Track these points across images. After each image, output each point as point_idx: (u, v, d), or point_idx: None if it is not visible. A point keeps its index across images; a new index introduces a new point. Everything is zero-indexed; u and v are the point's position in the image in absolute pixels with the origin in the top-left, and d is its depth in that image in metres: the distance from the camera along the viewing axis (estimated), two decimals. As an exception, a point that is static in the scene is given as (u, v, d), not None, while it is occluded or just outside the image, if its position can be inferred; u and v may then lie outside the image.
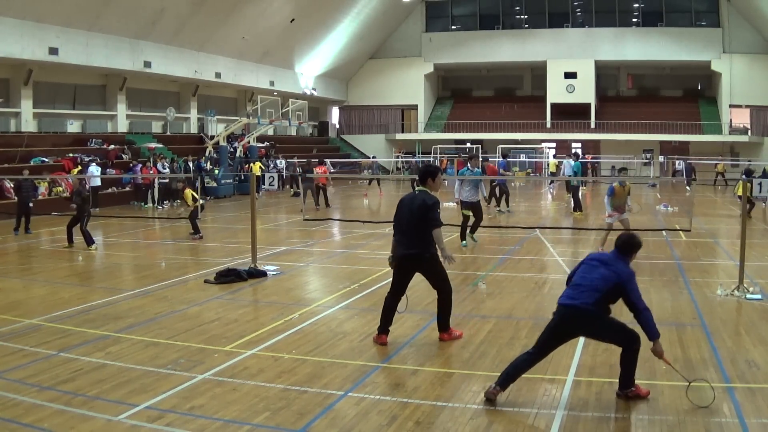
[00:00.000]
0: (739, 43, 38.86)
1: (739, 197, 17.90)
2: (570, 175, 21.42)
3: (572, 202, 19.99)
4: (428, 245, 6.98)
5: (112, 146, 25.81)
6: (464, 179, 13.61)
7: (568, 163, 23.16)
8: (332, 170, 36.31)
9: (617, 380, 5.58)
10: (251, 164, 28.98)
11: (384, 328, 7.15)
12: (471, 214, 13.47)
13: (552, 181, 28.90)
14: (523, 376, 6.02)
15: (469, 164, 14.47)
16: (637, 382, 5.59)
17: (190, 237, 15.19)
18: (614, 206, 12.60)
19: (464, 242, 13.56)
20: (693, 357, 6.56)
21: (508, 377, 5.50)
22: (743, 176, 19.39)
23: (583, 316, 5.36)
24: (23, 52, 22.44)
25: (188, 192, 15.11)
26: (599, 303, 5.38)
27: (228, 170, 27.88)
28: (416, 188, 7.29)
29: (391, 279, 7.34)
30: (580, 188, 21.47)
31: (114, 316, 8.22)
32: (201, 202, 15.32)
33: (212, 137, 30.78)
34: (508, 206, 20.35)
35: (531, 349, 5.60)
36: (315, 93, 41.33)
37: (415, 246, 6.98)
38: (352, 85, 46.31)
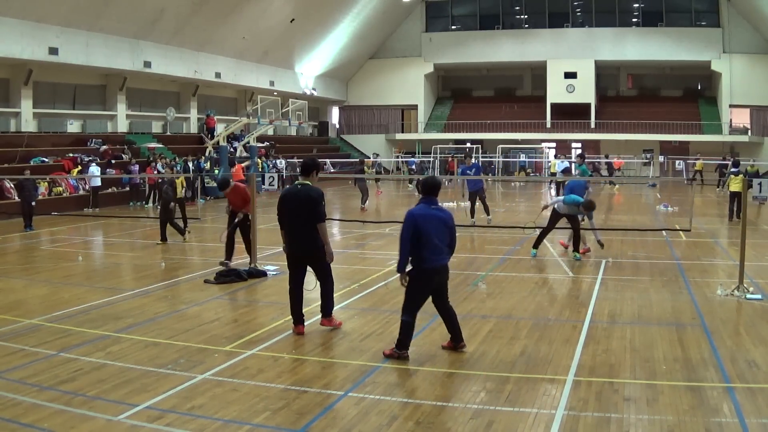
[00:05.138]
0: (739, 43, 38.83)
1: (732, 192, 17.93)
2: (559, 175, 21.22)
3: None
4: (316, 239, 7.26)
5: (104, 146, 25.76)
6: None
7: (560, 164, 22.85)
8: (332, 170, 36.29)
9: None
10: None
11: (298, 319, 7.43)
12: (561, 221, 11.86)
13: (552, 182, 28.83)
14: (523, 376, 6.06)
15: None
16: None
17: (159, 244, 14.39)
18: None
19: (534, 251, 12.28)
20: (693, 357, 6.55)
21: None
22: (732, 169, 19.48)
23: None
24: (23, 52, 22.41)
25: (181, 179, 14.82)
26: None
27: (228, 170, 27.82)
28: (297, 182, 7.40)
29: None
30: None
31: (114, 316, 8.21)
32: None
33: (212, 137, 30.77)
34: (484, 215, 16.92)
35: None
36: (315, 93, 41.30)
37: (306, 241, 7.25)
38: (352, 85, 46.29)
